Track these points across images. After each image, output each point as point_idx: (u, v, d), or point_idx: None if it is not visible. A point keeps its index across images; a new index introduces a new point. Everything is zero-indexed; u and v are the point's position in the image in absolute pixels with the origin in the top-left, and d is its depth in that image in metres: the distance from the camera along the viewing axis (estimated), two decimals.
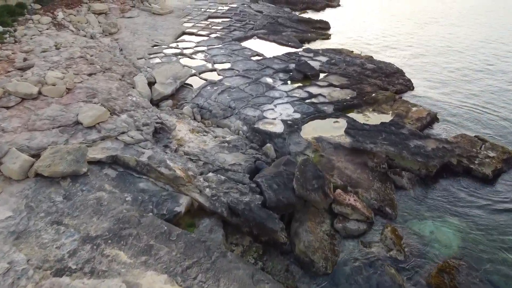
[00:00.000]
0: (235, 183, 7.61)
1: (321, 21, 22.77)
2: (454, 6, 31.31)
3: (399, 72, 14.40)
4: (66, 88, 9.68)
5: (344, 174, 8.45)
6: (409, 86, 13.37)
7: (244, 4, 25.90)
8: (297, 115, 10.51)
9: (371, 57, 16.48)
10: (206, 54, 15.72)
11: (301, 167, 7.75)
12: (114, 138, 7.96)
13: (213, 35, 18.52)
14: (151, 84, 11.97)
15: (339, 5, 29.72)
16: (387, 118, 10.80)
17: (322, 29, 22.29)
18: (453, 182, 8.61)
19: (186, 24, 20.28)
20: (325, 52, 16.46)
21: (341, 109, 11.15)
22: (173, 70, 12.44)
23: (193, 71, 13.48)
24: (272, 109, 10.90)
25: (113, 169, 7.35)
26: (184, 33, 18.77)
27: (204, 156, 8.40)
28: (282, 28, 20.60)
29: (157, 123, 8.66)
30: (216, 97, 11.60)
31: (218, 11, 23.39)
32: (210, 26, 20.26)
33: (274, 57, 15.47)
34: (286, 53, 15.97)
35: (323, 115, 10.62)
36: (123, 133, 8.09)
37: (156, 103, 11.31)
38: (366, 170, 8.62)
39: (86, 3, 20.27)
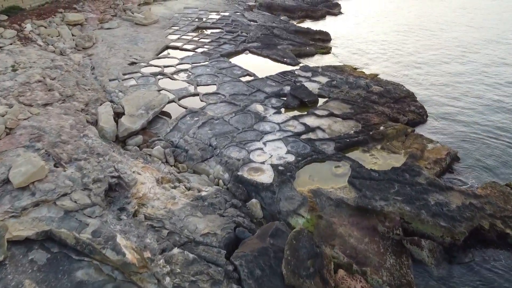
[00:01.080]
0: (206, 265, 5.95)
1: (320, 32, 21.22)
2: (461, 11, 29.78)
3: (409, 97, 12.80)
4: (6, 128, 8.02)
5: (349, 244, 6.80)
6: (422, 115, 11.76)
7: (237, 12, 24.35)
8: (291, 157, 8.87)
9: (377, 76, 14.90)
10: (190, 73, 14.15)
11: (293, 242, 6.10)
12: (52, 203, 6.28)
13: (199, 50, 16.95)
14: (119, 114, 10.34)
15: (340, 13, 28.19)
16: (399, 159, 9.17)
17: (322, 41, 20.74)
18: (487, 254, 6.95)
19: (171, 36, 18.71)
20: (325, 70, 14.89)
21: (343, 147, 9.53)
22: (146, 97, 10.81)
23: (172, 97, 11.87)
24: (261, 148, 9.27)
25: (45, 250, 5.69)
26: (167, 47, 17.19)
27: (171, 221, 6.74)
28: (278, 41, 19.03)
29: (112, 177, 7.01)
30: (196, 131, 9.97)
31: (208, 21, 21.83)
32: (197, 38, 18.68)
33: (266, 77, 13.89)
34: (281, 73, 14.38)
35: (322, 158, 8.97)
36: (64, 195, 6.44)
37: (122, 139, 9.66)
38: (376, 238, 6.97)
39: (61, 12, 18.67)
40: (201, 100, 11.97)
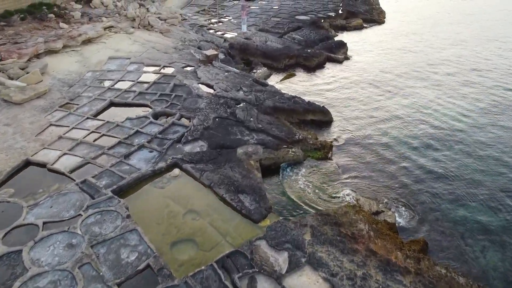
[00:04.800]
0: None
1: (315, 109, 14.16)
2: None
3: None
4: None
5: None
6: None
7: (188, 67, 17.00)
8: None
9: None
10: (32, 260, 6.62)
11: None
12: None
13: (82, 170, 9.62)
14: None
15: (346, 58, 20.82)
16: None
17: (318, 125, 13.55)
18: None
19: (50, 131, 11.35)
20: (317, 243, 7.42)
21: None
22: None
23: None
24: None
25: None
26: (28, 163, 9.78)
27: None
28: (241, 134, 11.92)
29: None
30: None
31: (134, 89, 14.53)
32: (98, 135, 11.30)
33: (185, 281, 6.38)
34: (221, 265, 6.89)
35: None
36: None
37: None
38: None
39: None
40: None
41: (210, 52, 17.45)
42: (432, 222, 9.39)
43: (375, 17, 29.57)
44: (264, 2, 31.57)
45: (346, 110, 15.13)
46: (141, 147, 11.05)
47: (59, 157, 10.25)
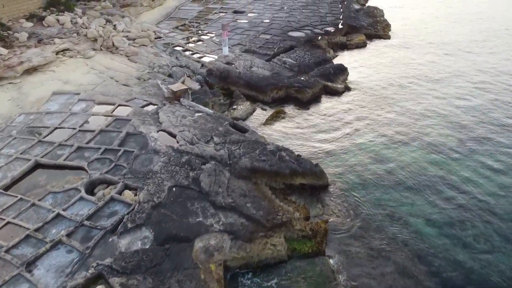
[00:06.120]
0: None
1: (305, 170, 11.34)
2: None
3: None
4: None
5: None
6: None
7: (149, 105, 14.04)
8: None
9: None
10: None
11: None
12: None
13: None
14: None
15: (347, 88, 17.79)
16: None
17: (308, 190, 10.57)
18: None
19: None
20: None
21: None
22: None
23: None
24: None
25: None
26: None
27: None
28: (199, 218, 9.23)
29: None
30: None
31: (74, 139, 11.73)
32: (2, 216, 8.46)
33: None
34: None
35: None
36: None
37: None
38: None
39: None
40: None
41: (178, 87, 14.44)
42: None
43: (380, 32, 26.59)
44: (254, 14, 28.66)
45: (347, 166, 12.12)
46: (56, 244, 8.03)
47: None
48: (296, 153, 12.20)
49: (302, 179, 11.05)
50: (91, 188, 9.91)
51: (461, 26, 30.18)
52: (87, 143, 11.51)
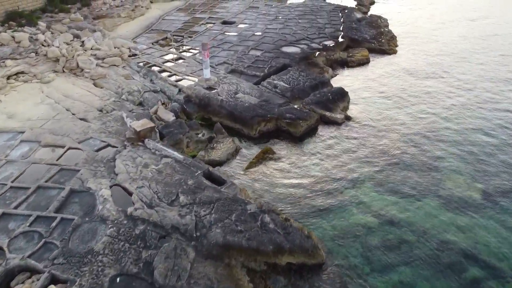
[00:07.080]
0: None
1: (294, 245, 9.25)
2: None
3: None
4: None
5: None
6: None
7: (108, 146, 11.78)
8: None
9: None
10: None
11: None
12: None
13: None
14: None
15: (347, 118, 15.46)
16: None
17: (296, 271, 8.27)
18: None
19: None
20: None
21: None
22: None
23: None
24: None
25: None
26: None
27: None
28: None
29: None
30: None
31: (1, 200, 9.27)
32: None
33: None
34: None
35: None
36: None
37: None
38: None
39: None
40: None
41: (143, 125, 12.12)
42: None
43: (385, 46, 24.25)
44: (244, 26, 26.42)
45: (347, 230, 9.85)
46: None
47: None
48: (284, 213, 9.93)
49: (289, 257, 8.72)
50: (7, 280, 7.58)
51: (481, 35, 27.75)
52: (16, 207, 9.19)
